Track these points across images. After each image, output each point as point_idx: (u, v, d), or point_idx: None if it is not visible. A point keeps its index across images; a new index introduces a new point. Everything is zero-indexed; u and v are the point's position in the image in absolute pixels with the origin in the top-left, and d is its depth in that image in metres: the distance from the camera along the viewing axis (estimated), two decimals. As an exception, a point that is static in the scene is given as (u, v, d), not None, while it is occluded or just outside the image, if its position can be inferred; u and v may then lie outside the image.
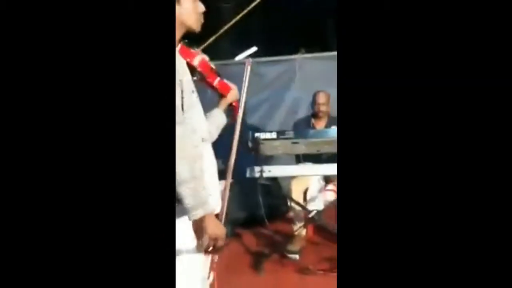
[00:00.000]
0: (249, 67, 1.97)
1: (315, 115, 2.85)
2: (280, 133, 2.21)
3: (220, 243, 1.13)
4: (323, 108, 2.79)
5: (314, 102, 2.84)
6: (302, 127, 2.80)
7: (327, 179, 2.71)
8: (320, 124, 2.84)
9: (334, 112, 2.93)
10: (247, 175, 2.24)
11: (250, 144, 2.22)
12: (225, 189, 1.71)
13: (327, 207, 2.44)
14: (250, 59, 2.02)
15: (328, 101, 2.81)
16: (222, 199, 1.55)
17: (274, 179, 2.79)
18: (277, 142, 2.22)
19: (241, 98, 1.86)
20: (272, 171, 2.26)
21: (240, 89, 1.95)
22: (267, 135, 2.21)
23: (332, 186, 2.70)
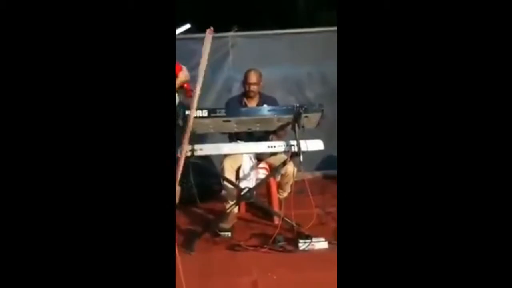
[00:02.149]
0: (210, 36, 1.90)
1: (246, 94, 2.84)
2: (211, 111, 2.18)
3: None
4: (253, 88, 2.79)
5: (245, 81, 2.82)
6: (235, 106, 2.79)
7: (259, 157, 2.74)
8: (252, 103, 2.84)
9: (267, 90, 2.96)
10: (178, 154, 2.20)
11: (180, 123, 2.17)
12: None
13: (258, 184, 2.48)
14: (212, 28, 1.96)
15: (259, 79, 2.81)
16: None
17: (206, 158, 2.77)
18: (209, 120, 2.20)
19: (199, 72, 1.82)
20: (203, 149, 2.24)
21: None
22: (198, 113, 2.17)
23: (264, 164, 2.74)
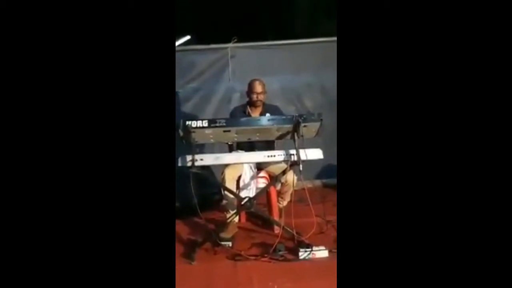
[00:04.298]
0: None
1: (252, 103, 2.86)
2: (212, 121, 2.20)
3: None
4: (260, 97, 2.82)
5: (250, 91, 2.84)
6: (239, 115, 2.81)
7: (259, 167, 2.76)
8: (256, 112, 2.86)
9: (266, 100, 2.98)
10: (179, 164, 2.22)
11: (181, 133, 2.19)
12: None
13: (259, 193, 2.49)
14: None
15: (264, 88, 2.84)
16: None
17: (207, 168, 2.78)
18: (209, 130, 2.21)
19: None
20: (204, 159, 2.25)
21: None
22: (199, 123, 2.19)
23: (264, 173, 2.75)
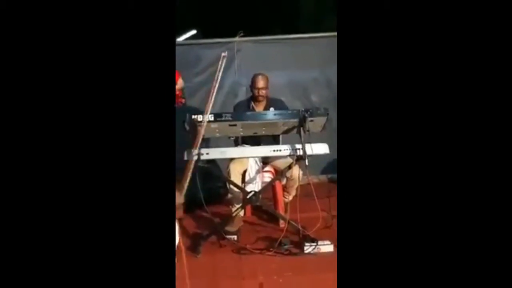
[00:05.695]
0: (224, 60, 2.00)
1: (255, 98, 2.87)
2: (218, 115, 2.20)
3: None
4: (262, 92, 2.81)
5: (253, 86, 2.84)
6: (243, 110, 2.81)
7: (264, 161, 2.76)
8: (259, 107, 2.86)
9: (272, 94, 2.98)
10: (185, 157, 2.22)
11: (187, 127, 2.20)
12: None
13: (264, 188, 2.49)
14: (226, 53, 2.03)
15: (266, 84, 2.83)
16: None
17: (213, 162, 2.79)
18: (215, 124, 2.22)
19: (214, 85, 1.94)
20: (209, 153, 2.26)
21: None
22: (205, 117, 2.19)
23: (270, 168, 2.76)
